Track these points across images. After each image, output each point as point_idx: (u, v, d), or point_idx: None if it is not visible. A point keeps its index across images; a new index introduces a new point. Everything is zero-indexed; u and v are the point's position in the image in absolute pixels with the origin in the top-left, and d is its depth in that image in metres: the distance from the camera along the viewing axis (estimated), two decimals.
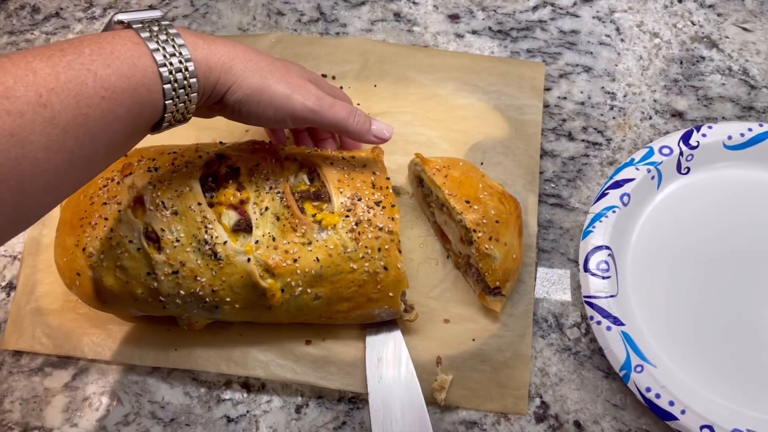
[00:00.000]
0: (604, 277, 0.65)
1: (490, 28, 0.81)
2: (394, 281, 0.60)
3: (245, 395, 0.66)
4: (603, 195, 0.68)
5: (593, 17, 0.81)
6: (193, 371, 0.66)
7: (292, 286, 0.59)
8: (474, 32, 0.81)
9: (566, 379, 0.66)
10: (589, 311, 0.64)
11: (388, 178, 0.63)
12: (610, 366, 0.63)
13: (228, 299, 0.59)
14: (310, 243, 0.59)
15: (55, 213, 0.66)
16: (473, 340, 0.66)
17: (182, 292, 0.59)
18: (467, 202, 0.63)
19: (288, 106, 0.54)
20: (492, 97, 0.76)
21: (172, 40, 0.47)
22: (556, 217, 0.72)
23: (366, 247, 0.59)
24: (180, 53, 0.47)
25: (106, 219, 0.58)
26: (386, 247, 0.60)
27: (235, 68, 0.52)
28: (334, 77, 0.78)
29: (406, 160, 0.71)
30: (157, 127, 0.50)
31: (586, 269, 0.66)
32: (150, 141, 0.57)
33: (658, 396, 0.60)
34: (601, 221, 0.67)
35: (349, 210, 0.60)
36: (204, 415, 0.65)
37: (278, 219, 0.59)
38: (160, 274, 0.58)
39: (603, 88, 0.78)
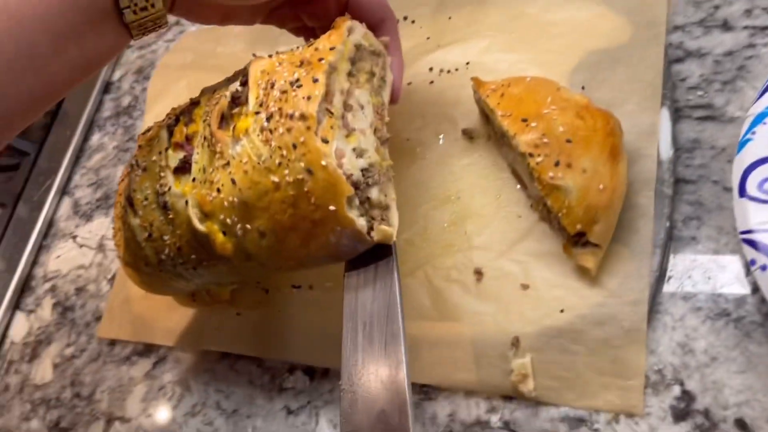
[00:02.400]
0: None
1: None
2: (327, 187, 0.40)
3: (308, 383, 0.57)
4: None
5: None
6: (260, 357, 0.60)
7: (229, 225, 0.44)
8: None
9: (722, 357, 0.44)
10: (750, 253, 0.42)
11: (332, 49, 0.44)
12: None
13: (193, 257, 0.48)
14: (227, 163, 0.43)
15: None
16: (561, 311, 0.48)
17: (162, 256, 0.50)
18: (524, 120, 0.47)
19: None
20: (597, 1, 0.58)
21: None
22: (706, 134, 0.51)
23: (279, 147, 0.41)
24: None
25: (120, 194, 0.55)
26: (301, 139, 0.40)
27: None
28: (405, 18, 0.67)
29: None
30: (125, 20, 0.42)
31: (742, 194, 0.44)
32: None
33: None
34: (764, 123, 0.45)
35: (260, 104, 0.43)
36: (265, 406, 0.58)
37: (208, 146, 0.46)
38: (140, 240, 0.51)
39: None
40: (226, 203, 0.43)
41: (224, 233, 0.44)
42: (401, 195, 0.56)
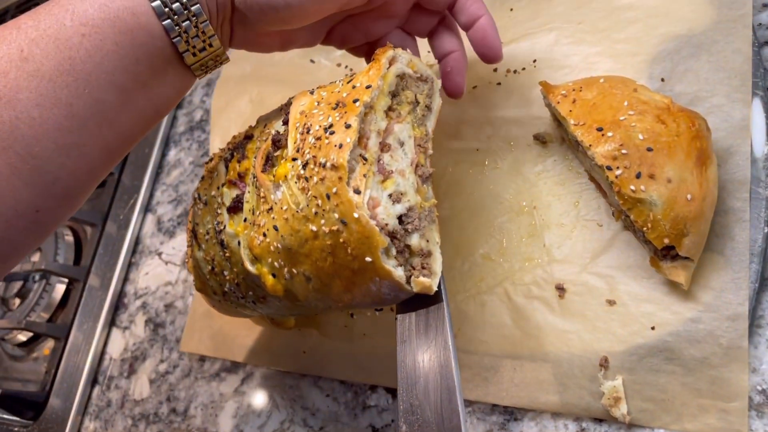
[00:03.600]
0: None
1: None
2: (362, 239, 0.39)
3: (390, 401, 0.57)
4: None
5: None
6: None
7: (277, 269, 0.44)
8: None
9: None
10: None
11: (368, 87, 0.42)
12: None
13: (250, 293, 0.49)
14: (271, 209, 0.43)
15: None
16: (653, 328, 0.45)
17: (226, 289, 0.51)
18: (599, 129, 0.44)
19: None
20: None
21: None
22: None
23: (315, 197, 0.40)
24: None
25: (190, 221, 0.56)
26: (334, 190, 0.39)
27: None
28: None
29: None
30: (186, 62, 0.43)
31: None
32: None
33: None
34: None
35: (298, 150, 0.42)
36: (350, 423, 0.58)
37: (256, 186, 0.46)
38: (205, 272, 0.52)
39: None
40: (272, 248, 0.43)
41: (274, 275, 0.44)
42: (475, 208, 0.54)
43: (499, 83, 0.58)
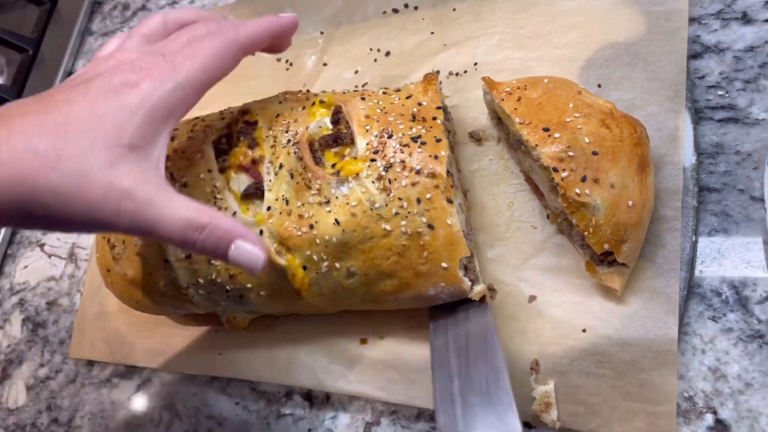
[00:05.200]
0: None
1: None
2: (446, 245, 0.43)
3: (307, 409, 0.53)
4: None
5: None
6: (253, 380, 0.56)
7: (315, 261, 0.45)
8: None
9: (757, 383, 0.42)
10: None
11: (439, 108, 0.46)
12: None
13: (249, 285, 0.48)
14: (327, 201, 0.44)
15: None
16: (584, 331, 0.45)
17: (200, 280, 0.49)
18: (545, 130, 0.43)
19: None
20: None
21: None
22: (728, 137, 0.48)
23: (400, 199, 0.43)
24: None
25: None
26: (428, 196, 0.43)
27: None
28: (406, 5, 0.62)
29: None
30: None
31: None
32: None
33: None
34: None
35: (376, 152, 0.44)
36: None
37: (292, 176, 0.46)
38: (173, 260, 0.49)
39: None
40: (317, 240, 0.44)
41: (305, 268, 0.45)
42: None
43: (440, 82, 0.57)
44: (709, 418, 0.42)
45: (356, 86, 0.62)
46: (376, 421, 0.50)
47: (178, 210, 0.37)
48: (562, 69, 0.53)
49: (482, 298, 0.46)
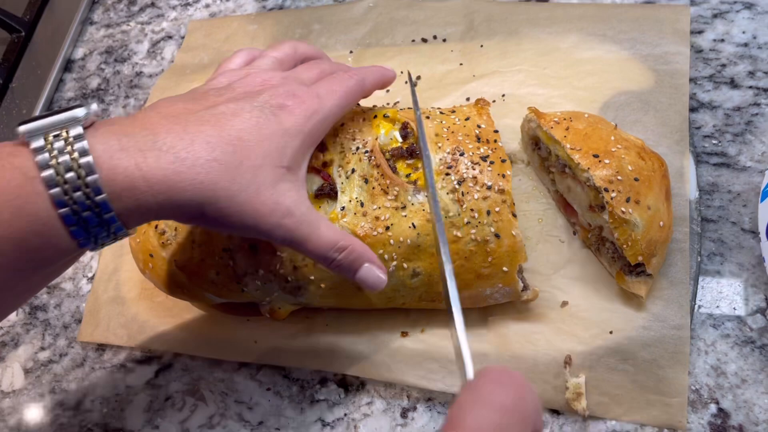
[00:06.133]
0: None
1: None
2: (509, 252, 0.49)
3: (342, 395, 0.56)
4: None
5: None
6: (284, 368, 0.58)
7: (385, 260, 0.49)
8: None
9: (751, 380, 0.50)
10: None
11: (496, 131, 0.52)
12: None
13: (312, 277, 0.51)
14: (404, 207, 0.49)
15: None
16: (611, 332, 0.52)
17: (261, 270, 0.51)
18: (595, 156, 0.50)
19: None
20: (624, 46, 0.63)
21: (77, 164, 0.35)
22: (722, 179, 0.57)
23: (471, 210, 0.49)
24: (87, 184, 0.35)
25: None
26: (497, 209, 0.49)
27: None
28: (435, 36, 0.69)
29: (519, 124, 0.60)
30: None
31: None
32: None
33: None
34: None
35: (449, 167, 0.50)
36: (296, 417, 0.56)
37: (366, 181, 0.50)
38: (236, 249, 0.51)
39: None
40: (391, 241, 0.49)
41: None
42: None
43: None
44: (712, 408, 0.50)
45: (388, 103, 0.67)
46: (412, 406, 0.54)
47: (325, 232, 0.43)
48: (583, 108, 0.61)
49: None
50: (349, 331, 0.56)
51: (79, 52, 0.84)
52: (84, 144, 0.35)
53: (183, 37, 0.81)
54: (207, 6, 0.83)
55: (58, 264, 0.38)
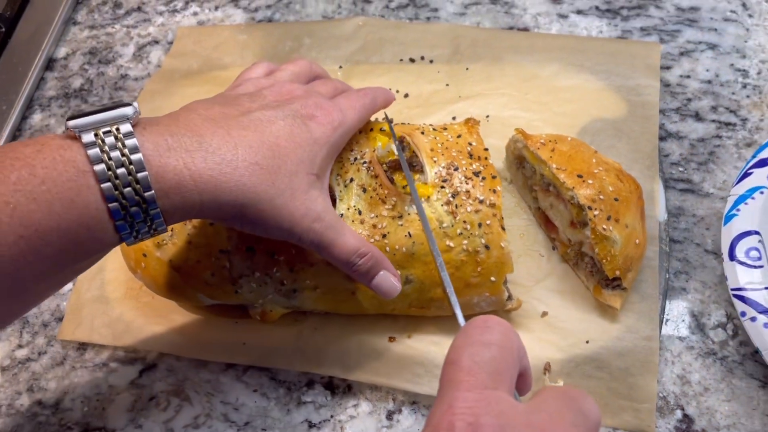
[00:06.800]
0: (755, 266, 0.53)
1: (597, 7, 0.74)
2: (497, 263, 0.52)
3: (329, 397, 0.58)
4: (746, 175, 0.57)
5: None
6: (271, 370, 0.59)
7: None
8: (579, 12, 0.74)
9: (713, 388, 0.54)
10: (740, 306, 0.53)
11: (486, 149, 0.55)
12: (767, 374, 0.51)
13: (308, 281, 0.53)
14: (401, 216, 0.52)
15: None
16: (587, 342, 0.56)
17: (257, 273, 0.53)
18: (579, 176, 0.54)
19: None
20: (601, 77, 0.68)
21: (128, 160, 0.36)
22: (687, 203, 0.62)
23: (464, 222, 0.52)
24: (137, 180, 0.36)
25: None
26: (488, 222, 0.52)
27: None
28: (423, 57, 0.72)
29: (502, 144, 0.64)
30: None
31: (732, 258, 0.55)
32: None
33: None
34: (746, 203, 0.57)
35: (444, 180, 0.53)
36: (282, 419, 0.57)
37: (364, 191, 0.53)
38: (233, 251, 0.52)
39: (732, 65, 0.68)
40: (388, 248, 0.51)
41: None
42: None
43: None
44: (678, 413, 0.54)
45: (378, 119, 0.69)
46: (397, 409, 0.56)
47: (349, 238, 0.46)
48: (563, 131, 0.65)
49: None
50: (337, 334, 0.58)
51: (62, 52, 0.84)
52: (134, 141, 0.36)
53: (170, 43, 0.82)
54: (195, 14, 0.84)
55: (93, 257, 0.39)
